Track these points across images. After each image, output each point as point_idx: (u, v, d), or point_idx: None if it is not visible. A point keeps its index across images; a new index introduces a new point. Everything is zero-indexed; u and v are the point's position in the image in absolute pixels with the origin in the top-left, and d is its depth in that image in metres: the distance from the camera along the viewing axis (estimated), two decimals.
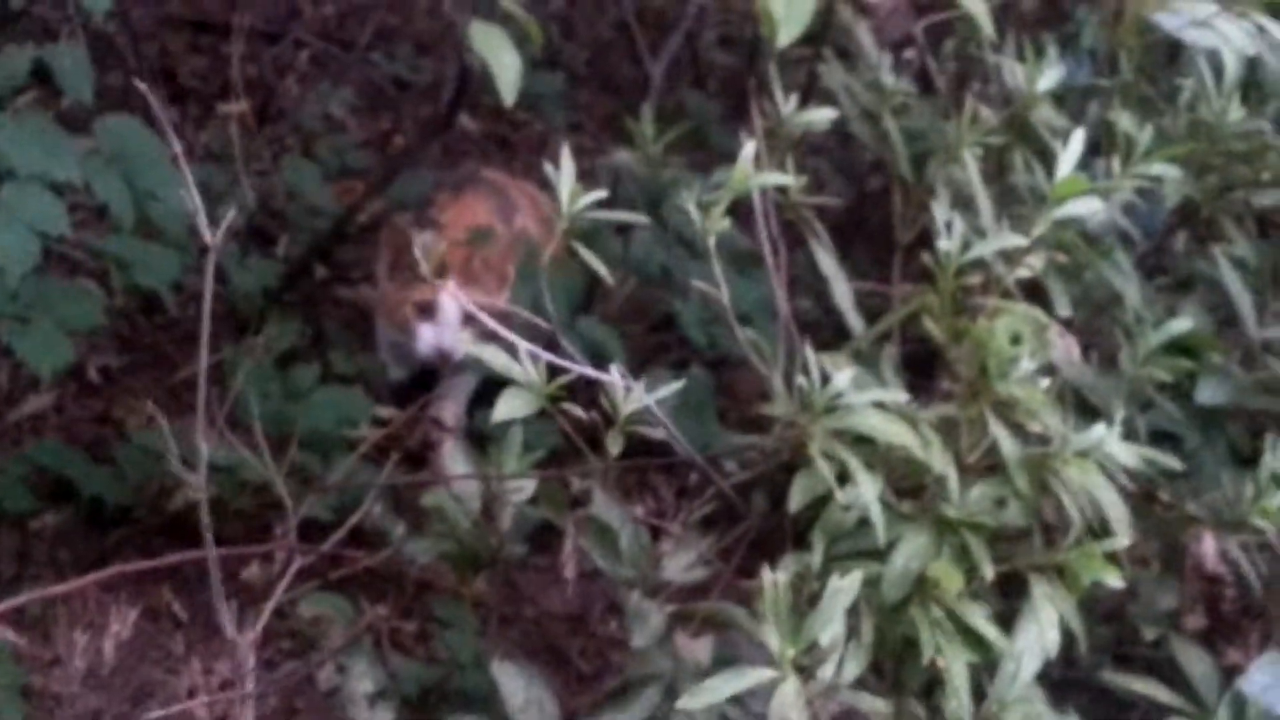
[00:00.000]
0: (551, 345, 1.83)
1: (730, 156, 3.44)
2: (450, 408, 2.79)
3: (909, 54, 2.49)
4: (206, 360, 1.66)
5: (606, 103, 3.97)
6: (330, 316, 3.18)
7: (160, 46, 3.96)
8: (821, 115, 1.96)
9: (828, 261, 1.97)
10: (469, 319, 2.59)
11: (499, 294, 2.72)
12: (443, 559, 2.14)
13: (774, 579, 1.56)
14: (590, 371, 1.69)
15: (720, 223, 1.75)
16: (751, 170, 1.74)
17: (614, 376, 1.68)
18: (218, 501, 2.62)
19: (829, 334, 2.37)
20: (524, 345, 1.69)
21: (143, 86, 1.77)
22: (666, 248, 2.99)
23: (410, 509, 2.45)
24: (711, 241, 1.77)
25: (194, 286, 2.98)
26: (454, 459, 2.09)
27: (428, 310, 2.70)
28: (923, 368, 2.00)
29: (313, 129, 3.65)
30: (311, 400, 2.68)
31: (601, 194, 1.81)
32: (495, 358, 1.69)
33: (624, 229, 3.02)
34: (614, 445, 1.65)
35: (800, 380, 1.66)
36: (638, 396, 1.67)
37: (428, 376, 2.96)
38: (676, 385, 1.74)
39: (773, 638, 1.52)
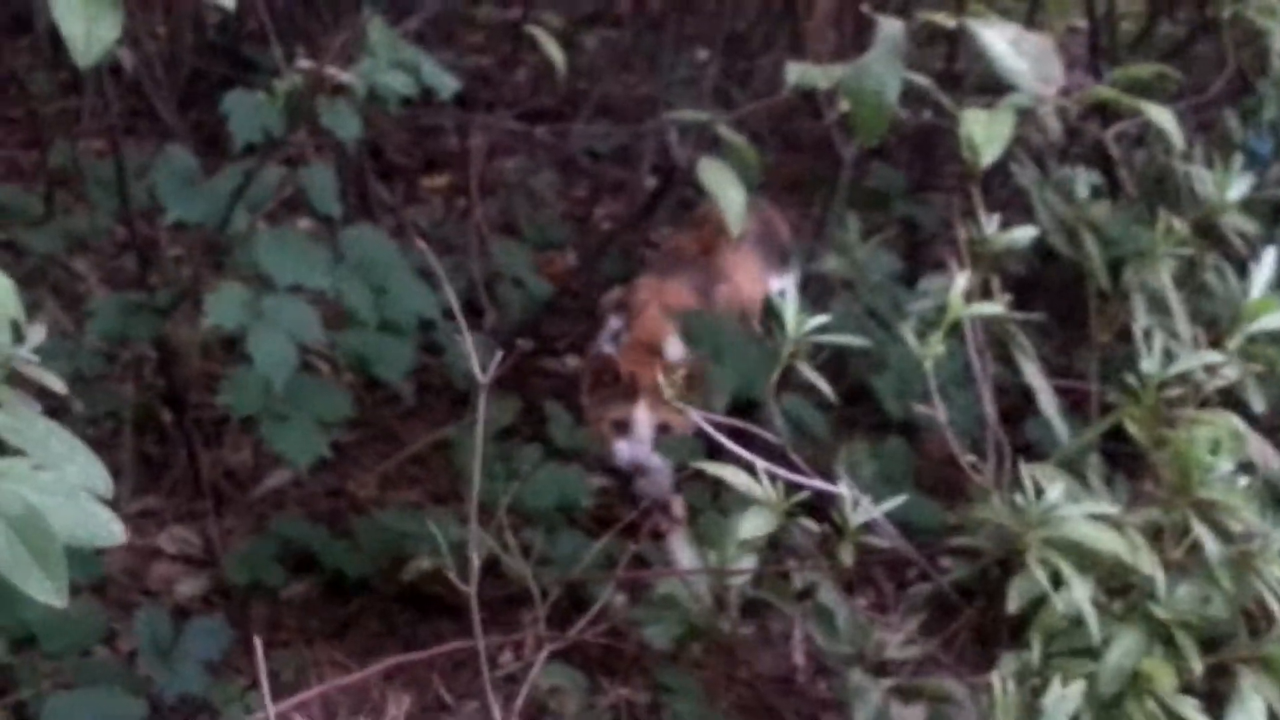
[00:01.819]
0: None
1: (912, 224, 3.62)
2: (662, 482, 3.00)
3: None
4: (478, 485, 1.85)
5: (790, 161, 4.12)
6: (539, 389, 3.39)
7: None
8: (1023, 234, 2.10)
9: (1033, 373, 2.12)
10: (662, 433, 2.92)
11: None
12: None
13: (1002, 678, 1.72)
14: (822, 486, 1.86)
15: (937, 348, 1.91)
16: (963, 302, 1.90)
17: (844, 490, 1.84)
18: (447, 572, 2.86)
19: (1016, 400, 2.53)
20: (761, 464, 1.86)
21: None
22: (860, 322, 3.15)
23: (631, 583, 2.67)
24: (929, 364, 1.93)
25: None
26: (681, 548, 2.28)
27: (623, 427, 2.96)
28: (1121, 460, 2.14)
29: (514, 204, 3.85)
30: (535, 479, 2.87)
31: (825, 318, 1.98)
32: (735, 477, 1.86)
33: (818, 300, 3.22)
34: (846, 556, 1.82)
35: (1018, 497, 1.80)
36: (866, 510, 1.83)
37: None
38: (898, 500, 1.88)
39: None
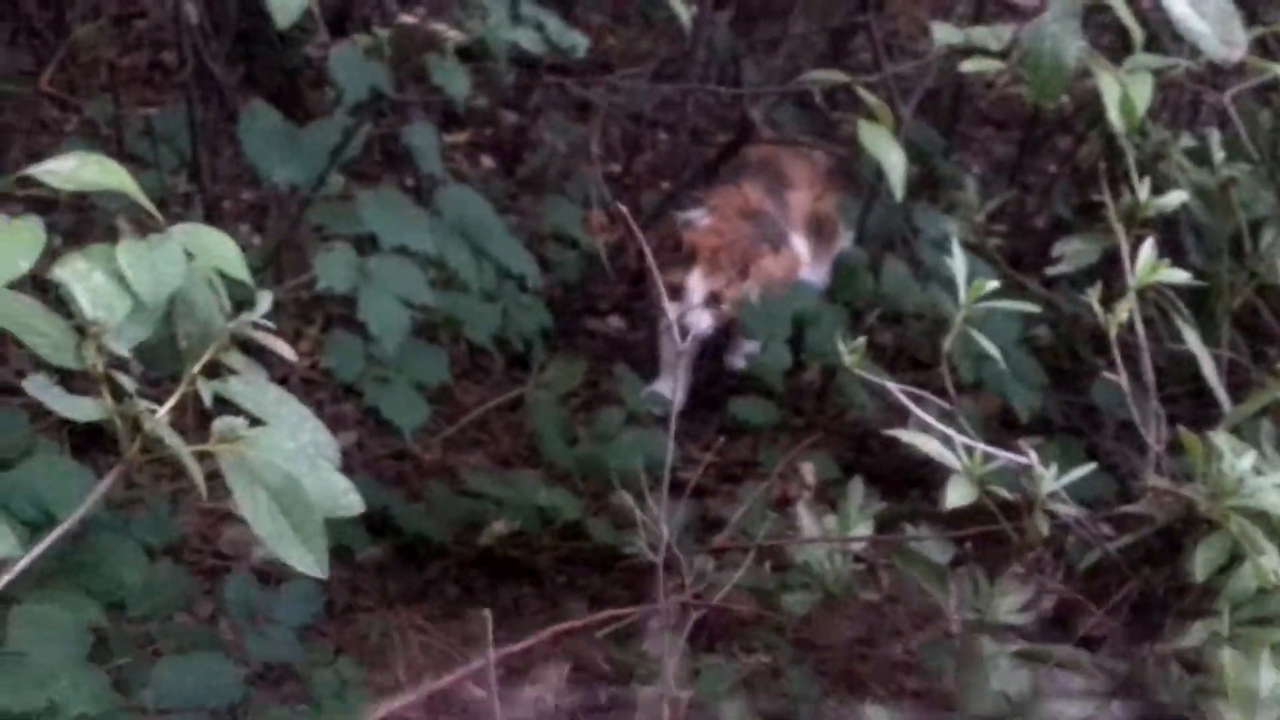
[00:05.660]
0: None
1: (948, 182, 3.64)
2: None
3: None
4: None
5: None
6: (587, 350, 3.38)
7: None
8: (1174, 199, 2.12)
9: (1193, 338, 2.14)
10: (711, 301, 3.07)
11: (739, 284, 3.11)
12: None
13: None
14: (1012, 457, 1.87)
15: (1122, 315, 1.93)
16: (1153, 266, 1.92)
17: (1034, 461, 1.86)
18: (523, 535, 2.85)
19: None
20: (959, 437, 1.88)
21: None
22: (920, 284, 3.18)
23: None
24: (1113, 333, 1.95)
25: None
26: (808, 514, 2.28)
27: (676, 291, 3.05)
28: None
29: (554, 163, 3.81)
30: (620, 442, 2.87)
31: (995, 284, 2.00)
32: (928, 445, 1.87)
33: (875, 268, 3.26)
34: (1042, 528, 1.84)
35: (1218, 467, 1.82)
36: (1051, 480, 1.85)
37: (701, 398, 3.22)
38: (1085, 469, 1.90)
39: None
